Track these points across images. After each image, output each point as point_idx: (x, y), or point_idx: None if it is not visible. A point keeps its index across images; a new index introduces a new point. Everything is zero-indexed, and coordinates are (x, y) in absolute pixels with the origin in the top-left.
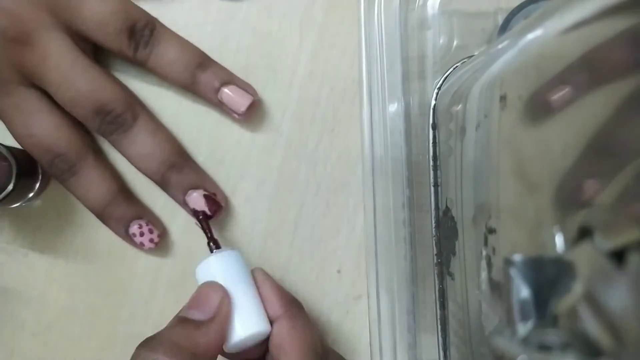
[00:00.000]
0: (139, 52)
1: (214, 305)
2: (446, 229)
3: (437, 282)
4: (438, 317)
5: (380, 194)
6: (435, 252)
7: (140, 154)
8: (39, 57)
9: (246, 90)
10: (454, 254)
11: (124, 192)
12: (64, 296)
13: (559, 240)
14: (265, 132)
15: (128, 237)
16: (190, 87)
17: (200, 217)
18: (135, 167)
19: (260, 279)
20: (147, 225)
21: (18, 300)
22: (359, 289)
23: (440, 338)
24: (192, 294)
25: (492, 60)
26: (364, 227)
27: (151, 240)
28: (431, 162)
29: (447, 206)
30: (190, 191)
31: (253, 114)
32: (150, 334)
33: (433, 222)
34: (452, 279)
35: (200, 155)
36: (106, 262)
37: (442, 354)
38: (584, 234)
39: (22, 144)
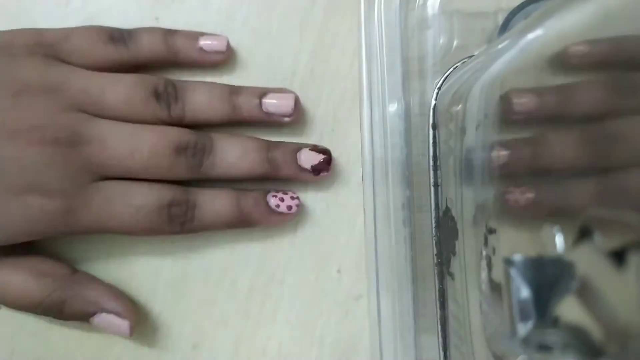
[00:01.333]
0: (173, 110)
1: None
2: (446, 229)
3: (437, 282)
4: (438, 317)
5: (380, 194)
6: (435, 252)
7: (237, 157)
8: (97, 145)
9: (285, 91)
10: (454, 254)
11: (239, 188)
12: None
13: (559, 240)
14: (265, 132)
15: (273, 215)
16: (233, 116)
17: (322, 172)
18: (240, 176)
19: None
20: (277, 191)
21: None
22: (359, 289)
23: (440, 338)
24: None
25: (492, 60)
26: (364, 227)
27: (292, 198)
28: (431, 162)
29: (447, 206)
30: (297, 155)
31: (300, 110)
32: (149, 334)
33: (433, 222)
34: (452, 279)
35: None
36: (106, 263)
37: (442, 354)
38: (584, 234)
39: (133, 228)
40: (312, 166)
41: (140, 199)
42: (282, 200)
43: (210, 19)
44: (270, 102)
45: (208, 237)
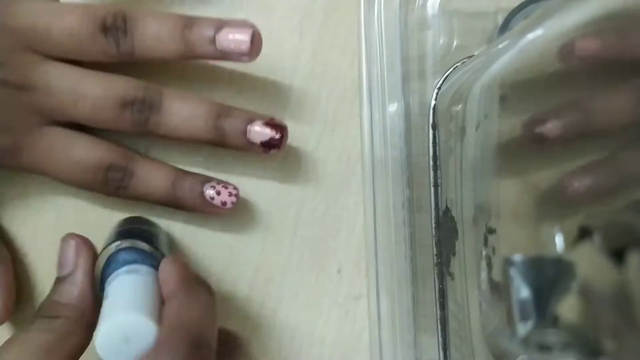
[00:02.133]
0: (122, 45)
1: (70, 258)
2: (446, 229)
3: (437, 282)
4: (438, 317)
5: (380, 194)
6: (435, 252)
7: (183, 120)
8: (44, 91)
9: (242, 26)
10: (454, 254)
11: (181, 170)
12: None
13: (559, 240)
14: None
15: (206, 206)
16: (187, 54)
17: (272, 149)
18: (185, 137)
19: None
20: (218, 183)
21: (18, 300)
22: (359, 289)
23: (440, 338)
24: None
25: (492, 60)
26: (364, 227)
27: (230, 194)
28: (431, 162)
29: (447, 206)
30: (248, 128)
31: (259, 48)
32: None
33: (433, 222)
34: (452, 279)
35: (200, 155)
36: None
37: (442, 354)
38: (584, 234)
39: (69, 180)
40: (261, 142)
41: (80, 155)
42: (218, 193)
43: None
44: (225, 39)
45: (208, 237)
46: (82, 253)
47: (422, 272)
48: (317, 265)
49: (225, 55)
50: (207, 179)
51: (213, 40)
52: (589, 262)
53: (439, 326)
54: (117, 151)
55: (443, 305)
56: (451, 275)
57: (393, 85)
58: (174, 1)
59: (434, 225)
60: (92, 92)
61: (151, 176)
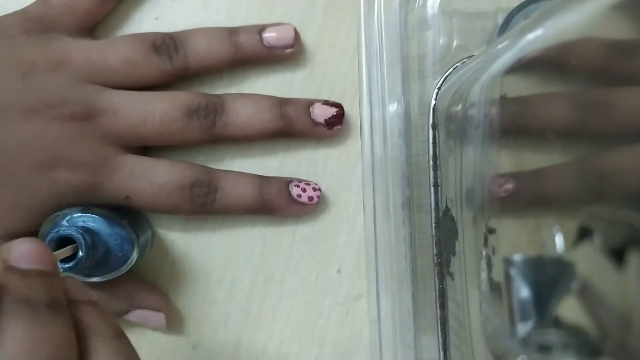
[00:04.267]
0: (175, 59)
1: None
2: (446, 229)
3: (437, 282)
4: (438, 317)
5: (380, 194)
6: (435, 252)
7: (249, 115)
8: (112, 115)
9: (281, 23)
10: (454, 254)
11: (260, 175)
12: None
13: (559, 240)
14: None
15: (295, 204)
16: (236, 56)
17: (336, 126)
18: (253, 133)
19: None
20: (299, 181)
21: None
22: (359, 289)
23: (440, 338)
24: None
25: (492, 60)
26: (364, 227)
27: (314, 189)
28: (431, 162)
29: (447, 206)
30: (310, 109)
31: (300, 40)
32: (149, 334)
33: (433, 222)
34: (452, 279)
35: (201, 154)
36: None
37: (442, 354)
38: (584, 234)
39: (156, 205)
40: (325, 120)
41: (163, 177)
42: (304, 190)
43: (210, 19)
44: (271, 36)
45: (208, 237)
46: None
47: (422, 272)
48: (317, 265)
49: (272, 50)
50: (289, 180)
51: (260, 39)
52: (589, 262)
53: (439, 326)
54: (195, 167)
55: (443, 305)
56: (451, 275)
57: (393, 85)
58: (174, 2)
59: (434, 225)
60: (159, 106)
61: (238, 186)
